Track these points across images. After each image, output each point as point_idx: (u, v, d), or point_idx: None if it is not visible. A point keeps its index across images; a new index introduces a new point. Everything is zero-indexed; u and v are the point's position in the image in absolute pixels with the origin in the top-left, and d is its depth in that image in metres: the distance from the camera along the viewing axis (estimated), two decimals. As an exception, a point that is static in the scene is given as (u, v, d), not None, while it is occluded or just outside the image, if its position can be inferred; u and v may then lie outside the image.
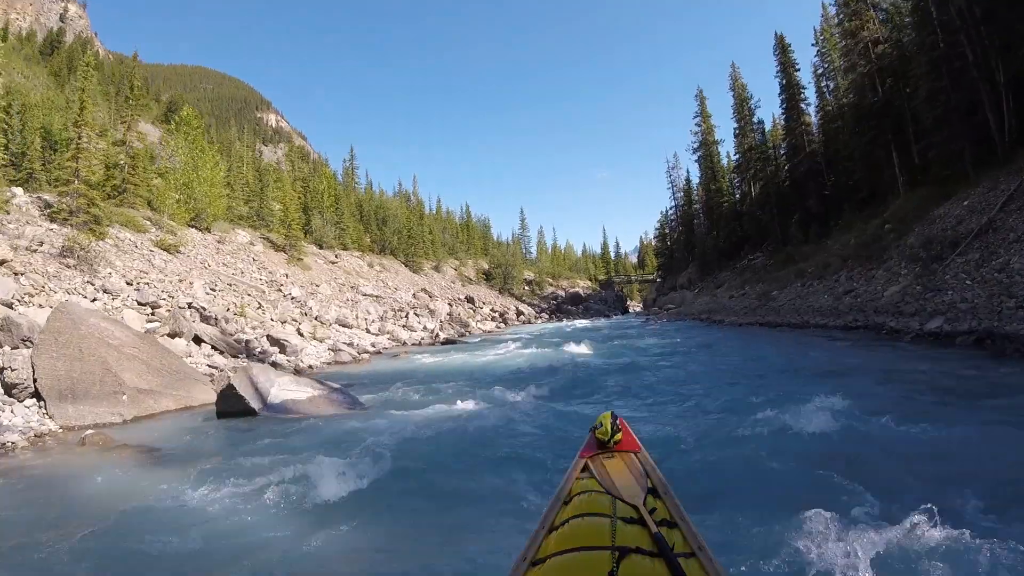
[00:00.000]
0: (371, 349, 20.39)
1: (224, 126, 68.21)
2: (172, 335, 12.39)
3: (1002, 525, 3.03)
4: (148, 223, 23.94)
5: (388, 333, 25.30)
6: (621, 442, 2.45)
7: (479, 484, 4.52)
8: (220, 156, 36.77)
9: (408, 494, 4.38)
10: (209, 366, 11.64)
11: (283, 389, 8.04)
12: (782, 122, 44.49)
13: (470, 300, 45.81)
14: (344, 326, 24.08)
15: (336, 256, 37.46)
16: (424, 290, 41.75)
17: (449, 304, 39.80)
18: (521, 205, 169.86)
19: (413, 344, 23.93)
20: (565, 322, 45.34)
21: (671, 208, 64.33)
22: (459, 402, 7.87)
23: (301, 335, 18.91)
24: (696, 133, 54.26)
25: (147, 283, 15.42)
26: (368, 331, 24.68)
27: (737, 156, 50.13)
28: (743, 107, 48.87)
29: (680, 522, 1.84)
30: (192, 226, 28.39)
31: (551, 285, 65.79)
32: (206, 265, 22.89)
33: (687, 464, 4.68)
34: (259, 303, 20.67)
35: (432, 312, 33.04)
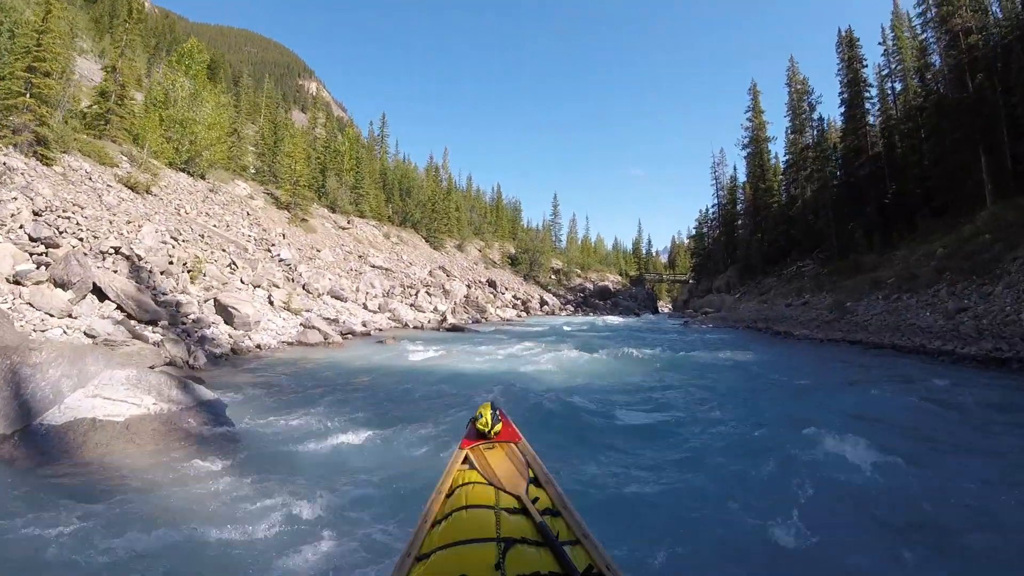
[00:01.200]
0: (359, 329, 16.66)
1: (261, 89, 65.33)
2: (57, 283, 8.76)
3: None
4: (123, 158, 20.57)
5: (390, 311, 21.58)
6: (501, 432, 2.42)
7: None
8: (230, 99, 33.46)
9: None
10: (88, 335, 7.95)
11: (94, 397, 4.22)
12: (838, 124, 39.65)
13: (492, 284, 41.95)
14: (337, 298, 20.43)
15: (349, 222, 33.93)
16: (442, 268, 37.98)
17: (468, 286, 35.99)
18: (555, 191, 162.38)
19: (415, 327, 20.15)
20: (593, 316, 41.08)
21: (712, 206, 59.23)
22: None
23: (271, 304, 15.26)
24: (747, 128, 49.28)
25: (67, 217, 11.88)
26: (366, 307, 21.01)
27: (789, 156, 45.11)
28: (800, 103, 43.72)
29: (563, 510, 1.83)
30: (183, 170, 25.02)
31: (579, 276, 61.47)
32: (180, 211, 19.42)
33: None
34: (233, 261, 17.09)
35: (446, 292, 29.25)
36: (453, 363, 10.96)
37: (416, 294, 26.68)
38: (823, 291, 25.52)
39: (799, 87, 44.50)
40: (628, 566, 2.68)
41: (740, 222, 51.50)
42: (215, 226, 21.34)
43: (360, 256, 29.57)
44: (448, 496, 1.97)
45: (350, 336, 15.36)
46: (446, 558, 1.54)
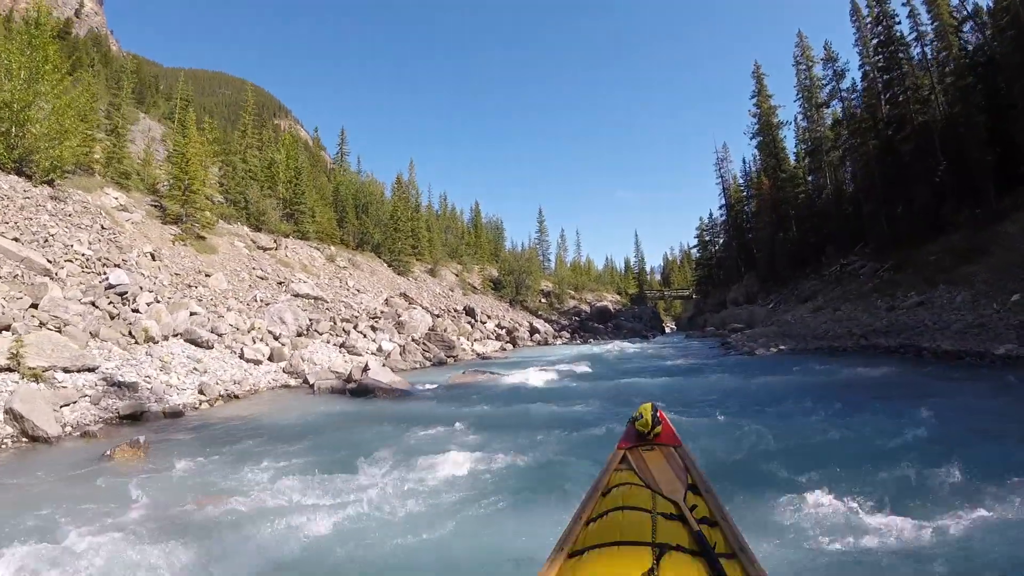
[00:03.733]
0: (177, 402, 8.72)
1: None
2: None
3: None
4: None
5: (287, 361, 13.67)
6: (661, 435, 2.35)
7: None
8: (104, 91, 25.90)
9: None
10: None
11: None
12: (855, 104, 33.20)
13: (470, 312, 34.10)
14: (193, 343, 12.51)
15: (276, 242, 26.13)
16: (404, 295, 30.13)
17: (437, 315, 28.12)
18: (540, 205, 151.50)
19: (319, 382, 12.08)
20: (596, 344, 33.21)
21: (720, 208, 52.33)
22: None
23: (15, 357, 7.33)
24: (755, 115, 42.83)
25: None
26: (243, 356, 13.03)
27: (808, 141, 38.41)
28: (809, 81, 37.31)
29: (721, 521, 1.74)
30: (16, 170, 17.31)
31: (573, 298, 53.77)
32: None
33: None
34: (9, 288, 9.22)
35: (401, 325, 21.33)
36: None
37: (352, 329, 18.75)
38: (927, 285, 17.84)
39: (809, 63, 38.25)
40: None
41: (753, 223, 44.43)
42: (16, 239, 13.59)
43: (281, 283, 21.67)
44: (604, 495, 1.94)
45: (128, 423, 7.40)
46: (599, 558, 1.51)
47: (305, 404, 9.70)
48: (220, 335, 13.92)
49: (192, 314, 14.56)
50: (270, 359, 13.63)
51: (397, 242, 37.79)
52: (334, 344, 17.15)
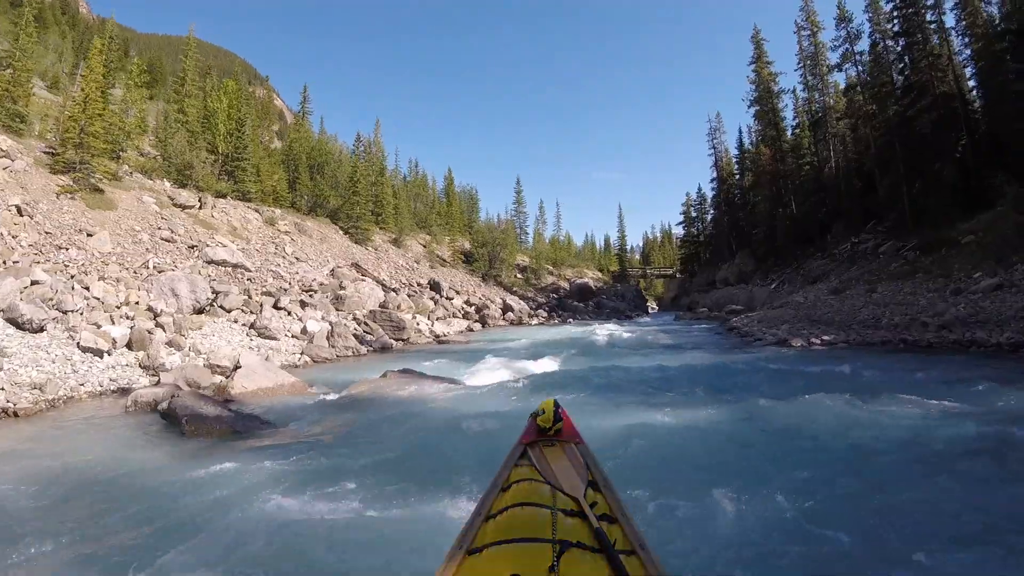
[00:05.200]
0: None
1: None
2: None
3: None
4: None
5: (146, 352, 9.99)
6: (562, 431, 2.32)
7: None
8: None
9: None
10: None
11: None
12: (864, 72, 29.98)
13: (435, 287, 30.49)
14: (15, 324, 8.84)
15: (200, 200, 22.01)
16: (356, 266, 26.36)
17: (391, 289, 24.49)
18: (517, 175, 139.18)
19: (141, 396, 8.33)
20: (576, 324, 29.94)
21: (711, 182, 49.07)
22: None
23: None
24: (753, 82, 39.32)
25: None
26: (79, 344, 9.30)
27: (808, 113, 35.10)
28: (817, 48, 33.85)
29: (621, 518, 1.77)
30: None
31: (551, 274, 50.39)
32: None
33: None
34: None
35: (340, 300, 17.67)
36: None
37: (270, 306, 15.05)
38: (995, 264, 14.65)
39: (814, 28, 34.68)
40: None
41: (749, 197, 41.27)
42: None
43: (193, 246, 17.74)
44: (504, 491, 1.92)
45: None
46: (499, 554, 1.51)
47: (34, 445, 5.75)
48: (65, 312, 10.15)
49: (34, 283, 10.75)
50: (128, 347, 9.92)
51: (356, 207, 33.68)
52: (243, 324, 13.45)
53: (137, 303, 12.60)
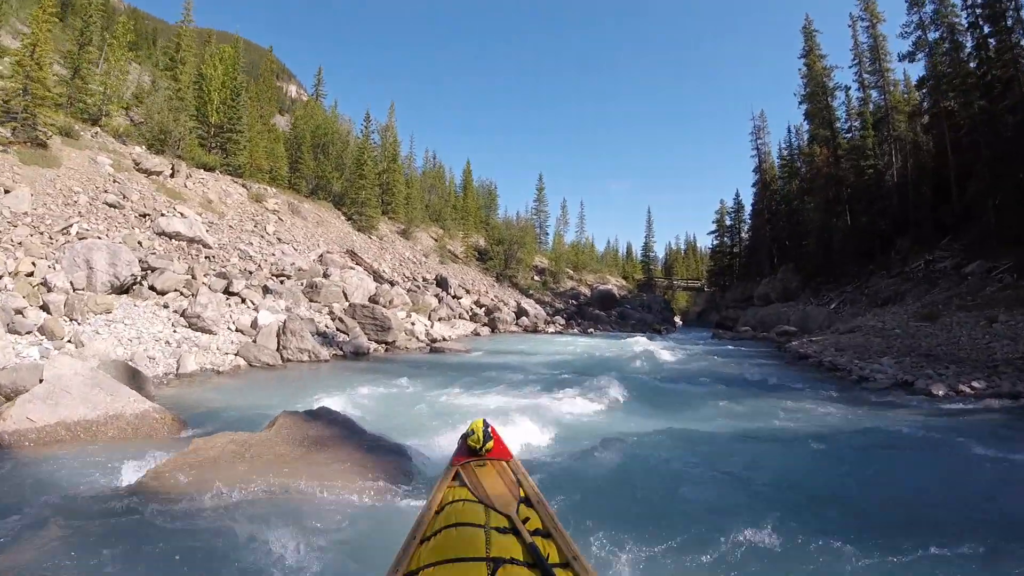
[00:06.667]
0: None
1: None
2: None
3: None
4: None
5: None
6: (493, 450, 2.33)
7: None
8: None
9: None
10: None
11: None
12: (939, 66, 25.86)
13: (442, 283, 27.21)
14: None
15: (173, 168, 19.01)
16: (350, 253, 23.19)
17: (386, 281, 21.23)
18: (540, 172, 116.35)
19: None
20: (597, 336, 26.33)
21: (752, 187, 45.06)
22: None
23: None
24: (804, 76, 35.37)
25: None
26: None
27: (862, 115, 31.02)
28: (877, 41, 29.90)
29: (554, 531, 1.78)
30: None
31: (572, 279, 46.81)
32: None
33: None
34: None
35: (315, 290, 14.45)
36: None
37: (222, 289, 11.85)
38: None
39: (874, 19, 30.72)
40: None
41: (797, 205, 37.15)
42: None
43: (144, 215, 14.65)
44: (438, 513, 1.91)
45: None
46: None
47: None
48: None
49: None
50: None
51: (361, 191, 30.56)
52: (174, 310, 10.24)
53: (30, 274, 9.48)
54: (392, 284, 20.91)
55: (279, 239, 19.20)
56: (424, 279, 27.42)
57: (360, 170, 31.32)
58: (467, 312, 25.19)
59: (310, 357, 10.08)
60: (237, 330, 10.48)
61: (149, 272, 11.18)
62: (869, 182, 29.71)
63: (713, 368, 12.24)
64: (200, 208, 17.64)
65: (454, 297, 26.15)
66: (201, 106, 25.82)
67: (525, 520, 1.77)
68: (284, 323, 10.25)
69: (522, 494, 2.00)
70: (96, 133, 18.97)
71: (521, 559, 1.51)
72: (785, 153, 40.39)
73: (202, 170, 21.53)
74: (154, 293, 10.83)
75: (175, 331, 9.57)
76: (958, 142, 24.16)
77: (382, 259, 26.90)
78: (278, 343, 10.04)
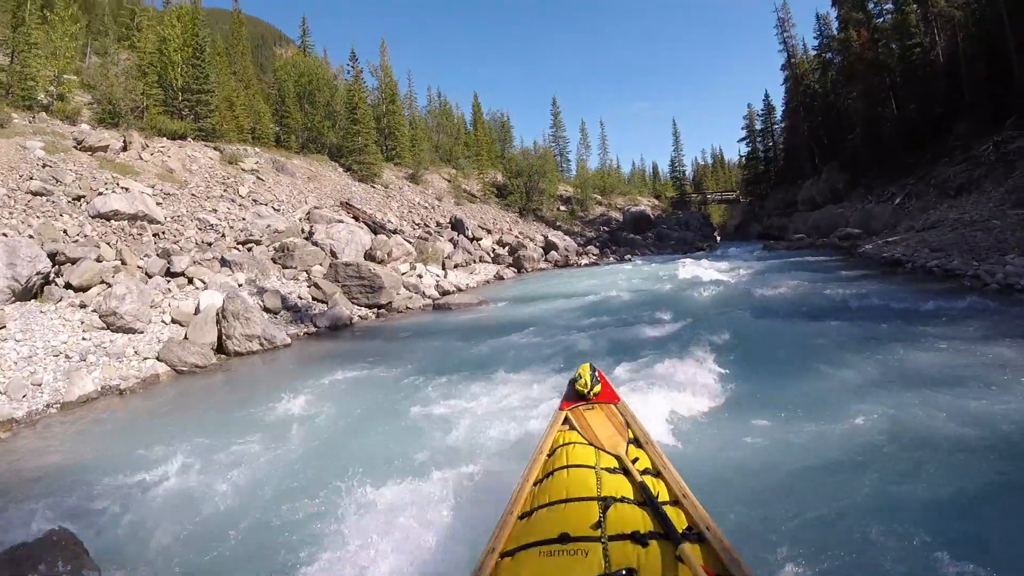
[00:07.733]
0: None
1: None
2: None
3: None
4: None
5: None
6: (600, 393, 2.39)
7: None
8: None
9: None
10: None
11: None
12: None
13: (457, 226, 24.45)
14: None
15: (125, 141, 16.50)
16: (346, 204, 20.62)
17: (380, 231, 18.61)
18: (554, 95, 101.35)
19: None
20: (638, 263, 23.23)
21: (782, 84, 39.57)
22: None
23: None
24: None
25: None
26: None
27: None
28: None
29: (663, 470, 1.77)
30: None
31: (600, 204, 43.07)
32: None
33: None
34: None
35: (288, 254, 11.99)
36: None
37: (161, 272, 9.49)
38: None
39: None
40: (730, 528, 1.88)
41: (834, 99, 31.79)
42: None
43: (79, 198, 12.29)
44: (549, 456, 1.93)
45: None
46: (548, 516, 1.54)
47: None
48: None
49: None
50: None
51: (357, 138, 27.59)
52: (92, 310, 7.94)
53: None
54: (393, 233, 18.31)
55: (255, 201, 16.70)
56: (437, 224, 24.72)
57: (353, 115, 28.20)
58: (488, 254, 22.56)
59: (262, 344, 7.67)
60: (174, 321, 8.14)
61: (61, 266, 8.86)
62: (916, 63, 24.75)
63: (798, 291, 9.21)
64: (156, 179, 15.21)
65: (473, 239, 23.44)
66: (163, 70, 22.99)
67: (635, 460, 1.83)
68: (223, 305, 7.80)
69: (631, 435, 2.06)
70: (33, 119, 16.53)
71: (632, 497, 1.58)
72: (816, 42, 34.49)
73: (164, 138, 18.99)
74: (71, 291, 8.55)
75: (85, 338, 7.29)
76: (1018, 6, 19.21)
77: (388, 208, 24.24)
78: (219, 333, 7.65)
